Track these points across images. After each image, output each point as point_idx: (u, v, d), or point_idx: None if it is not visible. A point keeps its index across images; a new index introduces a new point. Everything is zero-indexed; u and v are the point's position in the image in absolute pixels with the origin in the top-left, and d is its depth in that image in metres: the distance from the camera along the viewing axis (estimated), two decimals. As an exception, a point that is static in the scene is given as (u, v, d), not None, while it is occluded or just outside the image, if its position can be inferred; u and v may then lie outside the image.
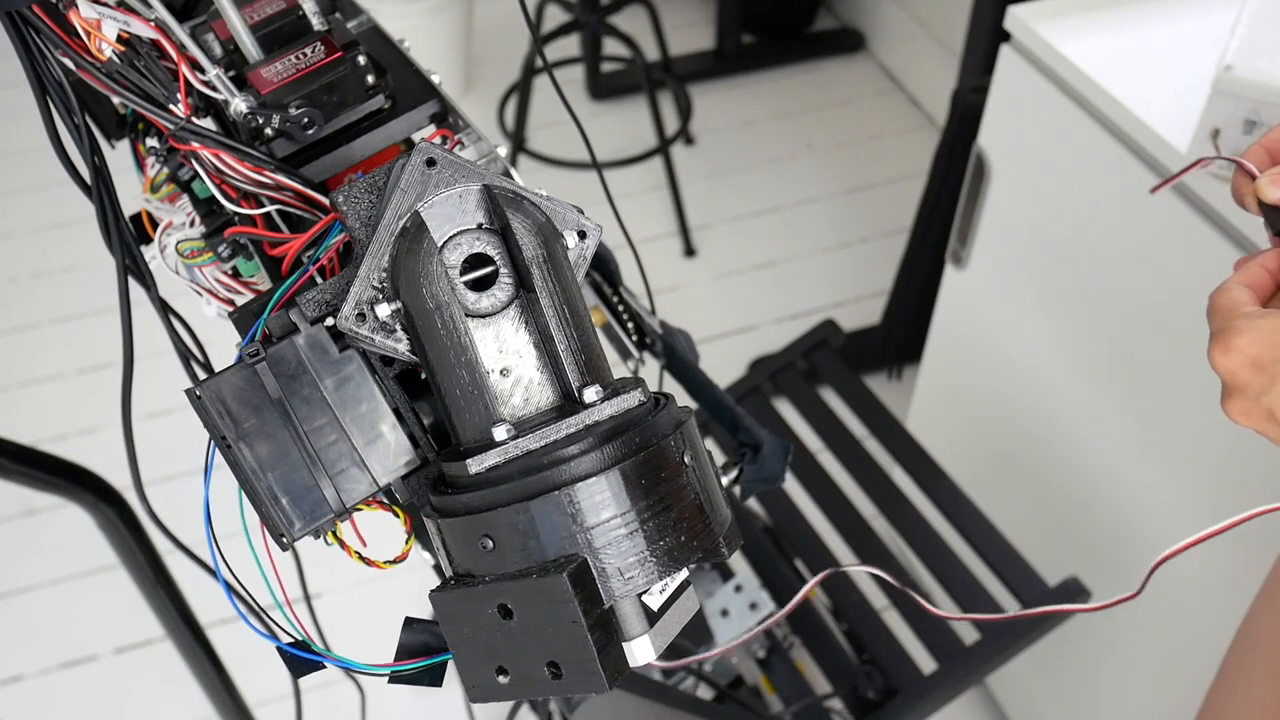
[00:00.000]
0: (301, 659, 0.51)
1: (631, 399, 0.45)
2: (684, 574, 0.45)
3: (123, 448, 0.61)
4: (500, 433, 0.44)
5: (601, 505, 0.41)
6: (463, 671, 0.45)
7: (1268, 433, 0.53)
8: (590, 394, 0.44)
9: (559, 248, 0.47)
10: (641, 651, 0.44)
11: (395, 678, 0.50)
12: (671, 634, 0.45)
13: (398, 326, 0.47)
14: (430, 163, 0.46)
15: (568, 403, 0.46)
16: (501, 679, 0.44)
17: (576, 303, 0.46)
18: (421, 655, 0.49)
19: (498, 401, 0.45)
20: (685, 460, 0.44)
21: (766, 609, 1.06)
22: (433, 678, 0.50)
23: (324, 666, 0.51)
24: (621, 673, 0.42)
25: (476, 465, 0.43)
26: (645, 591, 0.43)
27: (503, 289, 0.46)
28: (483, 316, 0.46)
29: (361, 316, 0.46)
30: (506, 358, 0.46)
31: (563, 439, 0.43)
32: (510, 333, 0.46)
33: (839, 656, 1.07)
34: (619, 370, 0.60)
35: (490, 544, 0.42)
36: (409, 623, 0.50)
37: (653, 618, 0.44)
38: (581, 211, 0.50)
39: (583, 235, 0.49)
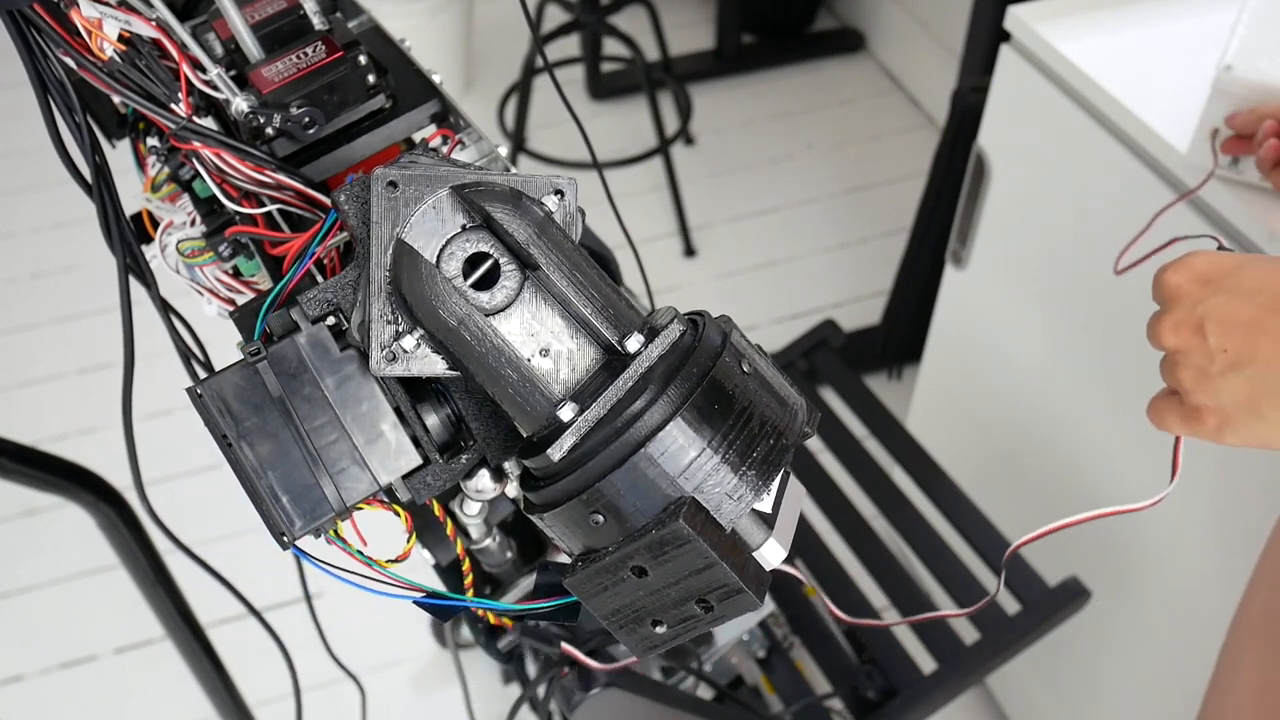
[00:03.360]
0: (443, 606, 0.52)
1: (673, 333, 0.45)
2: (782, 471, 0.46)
3: (123, 448, 0.61)
4: (566, 412, 0.44)
5: (687, 445, 0.42)
6: (622, 639, 0.47)
7: (1189, 347, 0.54)
8: (632, 343, 0.45)
9: (544, 217, 0.47)
10: (772, 554, 0.45)
11: (532, 615, 0.51)
12: (791, 528, 0.46)
13: (429, 350, 0.47)
14: (391, 185, 0.46)
15: (614, 356, 0.46)
16: (660, 630, 0.45)
17: (582, 263, 0.47)
18: (557, 594, 0.51)
19: (550, 383, 0.46)
20: (744, 369, 0.45)
21: (766, 608, 1.06)
22: (568, 615, 0.51)
23: (465, 609, 0.53)
24: (765, 583, 0.44)
25: (558, 451, 0.43)
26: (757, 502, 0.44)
27: (510, 278, 0.46)
28: (503, 310, 0.46)
29: (392, 357, 0.46)
30: (540, 339, 0.46)
31: (625, 397, 0.43)
32: (534, 315, 0.47)
33: (839, 656, 1.07)
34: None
35: (601, 518, 0.43)
36: (544, 565, 0.52)
37: (770, 520, 0.45)
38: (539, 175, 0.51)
39: (560, 194, 0.49)
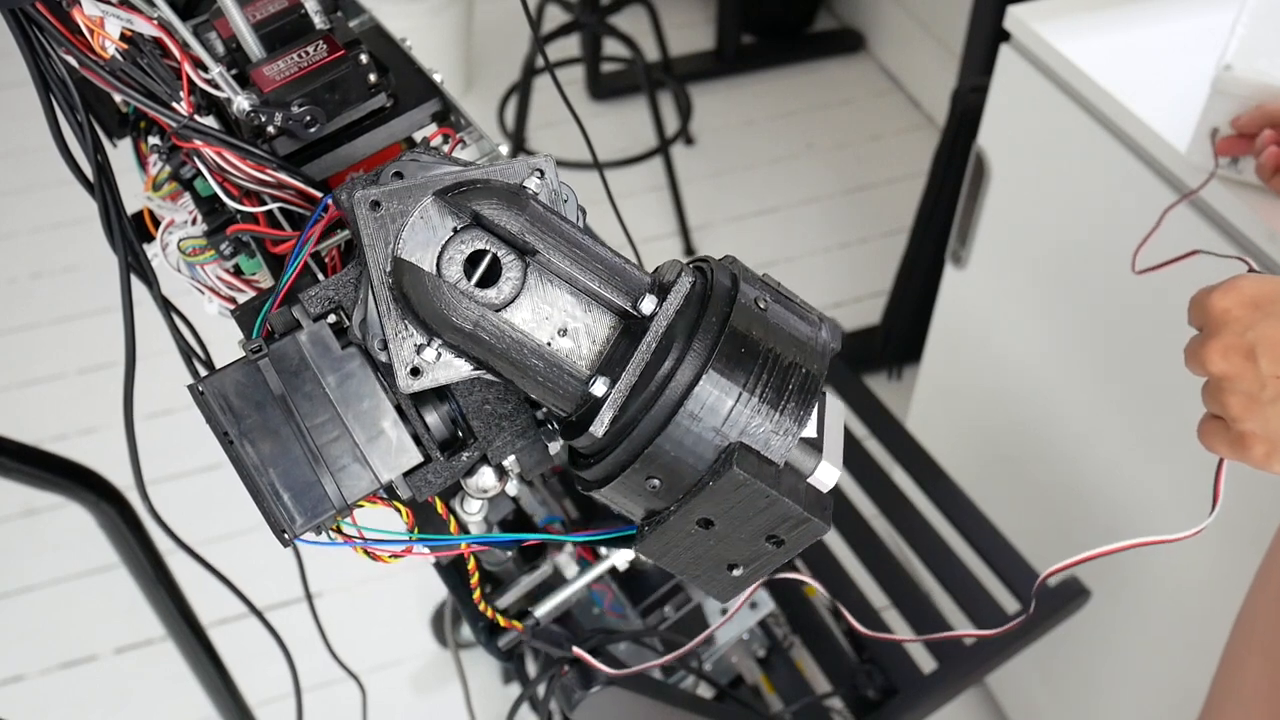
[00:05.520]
0: (501, 542, 0.55)
1: (683, 286, 0.46)
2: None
3: (123, 447, 0.62)
4: (599, 387, 0.44)
5: (723, 395, 0.43)
6: (703, 588, 0.48)
7: (1239, 373, 0.53)
8: (646, 305, 0.45)
9: (531, 202, 0.47)
10: (827, 476, 0.46)
11: (596, 543, 0.54)
12: (839, 445, 0.47)
13: (451, 356, 0.47)
14: (374, 205, 0.46)
15: (631, 320, 0.46)
16: (737, 572, 0.47)
17: (579, 238, 0.47)
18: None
19: (577, 361, 0.46)
20: (760, 306, 0.45)
21: (766, 608, 1.06)
22: (629, 542, 0.52)
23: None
24: (827, 507, 0.45)
25: (600, 427, 0.44)
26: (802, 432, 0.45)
27: (513, 268, 0.46)
28: (513, 301, 0.46)
29: (416, 371, 0.47)
30: (555, 321, 0.47)
31: (653, 359, 0.44)
32: (543, 298, 0.47)
33: (839, 656, 1.07)
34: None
35: (657, 482, 0.44)
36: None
37: (817, 444, 0.46)
38: (517, 156, 0.51)
39: (540, 173, 0.49)
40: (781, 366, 0.44)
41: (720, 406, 0.43)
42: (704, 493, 0.43)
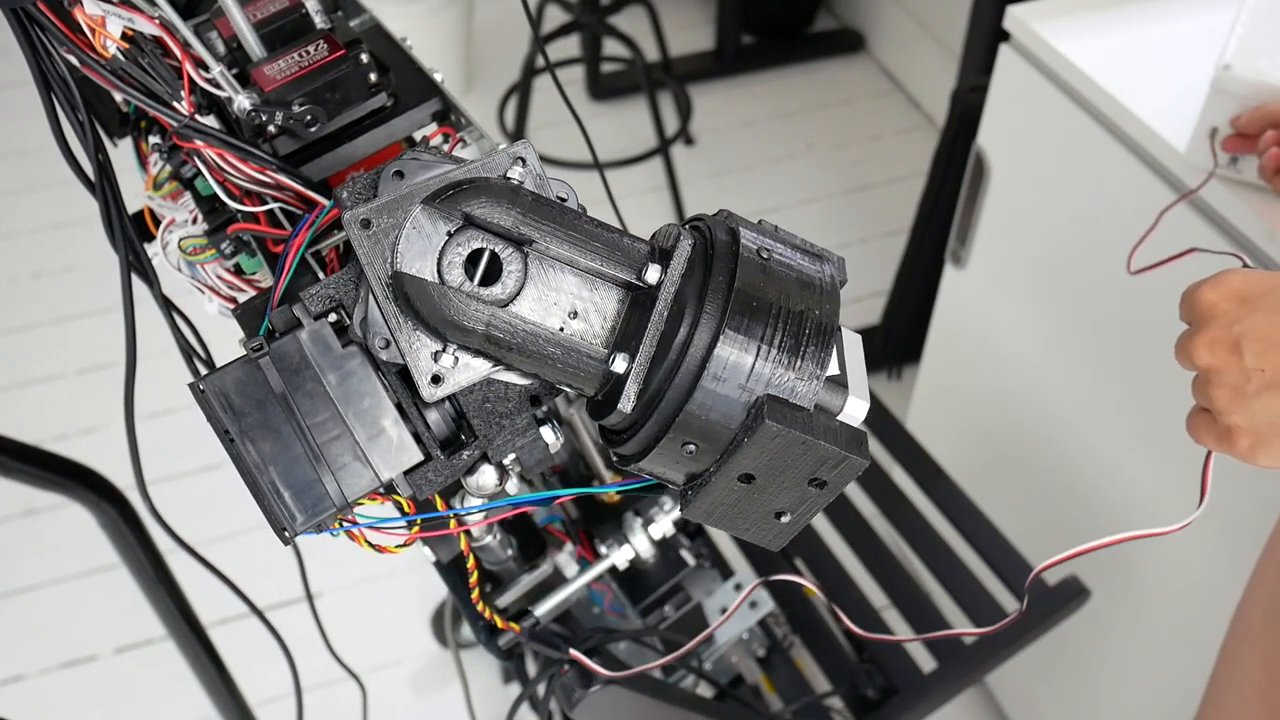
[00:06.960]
0: (534, 500, 0.56)
1: (685, 249, 0.46)
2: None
3: (123, 448, 0.62)
4: (619, 364, 0.45)
5: (743, 353, 0.43)
6: (753, 540, 0.48)
7: (1224, 366, 0.54)
8: (651, 274, 0.45)
9: (518, 193, 0.47)
10: (856, 410, 0.47)
11: (628, 492, 0.54)
12: (863, 377, 0.48)
13: (469, 358, 0.47)
14: (365, 224, 0.46)
15: (638, 292, 0.47)
16: (784, 519, 0.47)
17: (572, 219, 0.47)
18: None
19: (592, 341, 0.46)
20: (763, 256, 0.45)
21: (766, 607, 1.06)
22: (660, 488, 0.53)
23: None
24: (862, 441, 0.46)
25: (628, 403, 0.45)
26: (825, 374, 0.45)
27: (514, 261, 0.47)
28: (519, 293, 0.46)
29: (436, 379, 0.47)
30: (564, 305, 0.47)
31: (667, 328, 0.44)
32: (548, 285, 0.47)
33: (839, 655, 1.07)
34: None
35: (693, 447, 0.44)
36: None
37: (841, 380, 0.47)
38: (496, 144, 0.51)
39: (522, 160, 0.49)
40: (795, 313, 0.44)
41: (742, 364, 0.43)
42: (741, 449, 0.43)
